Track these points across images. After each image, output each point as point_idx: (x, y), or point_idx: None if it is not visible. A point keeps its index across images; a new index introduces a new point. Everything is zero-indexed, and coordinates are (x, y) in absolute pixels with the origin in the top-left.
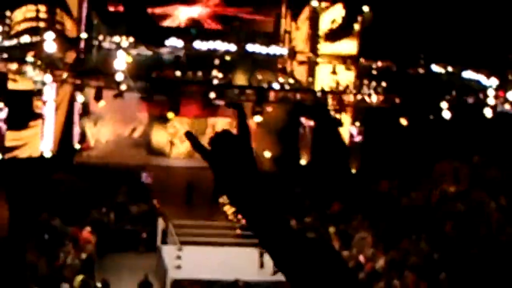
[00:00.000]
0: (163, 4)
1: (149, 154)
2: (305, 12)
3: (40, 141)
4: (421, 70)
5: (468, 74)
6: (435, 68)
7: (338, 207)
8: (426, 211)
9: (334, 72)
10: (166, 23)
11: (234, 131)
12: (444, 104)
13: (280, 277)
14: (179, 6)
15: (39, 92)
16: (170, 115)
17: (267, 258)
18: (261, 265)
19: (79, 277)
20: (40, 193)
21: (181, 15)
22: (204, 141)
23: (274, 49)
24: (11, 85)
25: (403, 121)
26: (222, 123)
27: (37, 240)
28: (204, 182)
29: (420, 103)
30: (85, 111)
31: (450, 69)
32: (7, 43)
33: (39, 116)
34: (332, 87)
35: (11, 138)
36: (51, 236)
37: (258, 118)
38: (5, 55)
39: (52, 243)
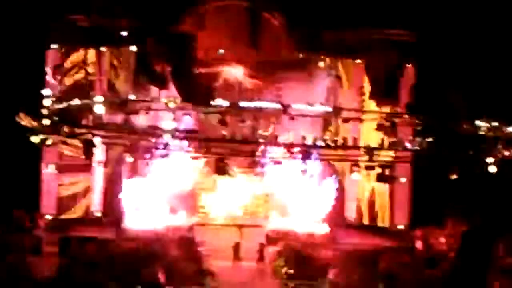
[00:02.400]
0: (209, 64)
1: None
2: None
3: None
4: (465, 126)
5: None
6: (480, 123)
7: None
8: None
9: (379, 129)
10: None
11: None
12: (490, 159)
13: None
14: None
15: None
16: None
17: None
18: None
19: None
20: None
21: (226, 74)
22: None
23: (318, 107)
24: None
25: (453, 176)
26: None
27: None
28: (252, 239)
29: (465, 158)
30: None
31: (495, 123)
32: (57, 106)
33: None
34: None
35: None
36: None
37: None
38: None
39: None
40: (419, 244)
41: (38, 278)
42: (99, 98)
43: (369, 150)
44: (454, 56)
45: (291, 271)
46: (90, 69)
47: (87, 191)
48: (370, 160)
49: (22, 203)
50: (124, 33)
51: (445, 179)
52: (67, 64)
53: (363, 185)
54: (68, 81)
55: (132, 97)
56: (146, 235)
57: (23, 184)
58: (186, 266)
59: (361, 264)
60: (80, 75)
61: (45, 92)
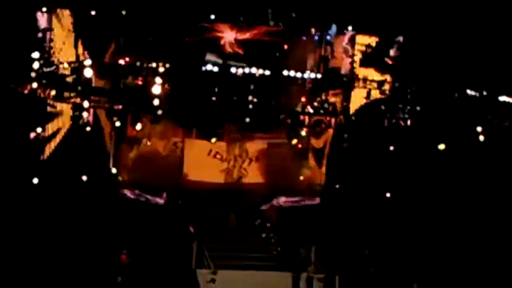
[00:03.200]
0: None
1: (185, 177)
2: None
3: None
4: (456, 94)
5: (503, 98)
6: (470, 92)
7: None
8: None
9: (368, 97)
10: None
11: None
12: (479, 128)
13: None
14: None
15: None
16: (213, 140)
17: (300, 282)
18: None
19: None
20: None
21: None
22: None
23: (308, 74)
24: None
25: (441, 146)
26: (256, 147)
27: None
28: (239, 205)
29: (454, 127)
30: (123, 135)
31: (485, 93)
32: (47, 69)
33: None
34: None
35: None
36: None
37: (294, 141)
38: (44, 81)
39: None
40: None
41: None
42: (87, 62)
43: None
44: (444, 23)
45: None
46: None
47: None
48: None
49: None
50: None
51: None
52: (57, 27)
53: None
54: (57, 44)
55: (121, 61)
56: None
57: None
58: None
59: None
60: (70, 39)
61: (34, 55)
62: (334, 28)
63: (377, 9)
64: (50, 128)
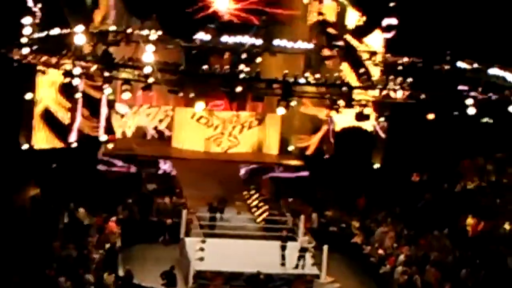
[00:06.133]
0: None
1: (174, 145)
2: (332, 8)
3: None
4: (447, 66)
5: (494, 71)
6: (461, 64)
7: (363, 201)
8: (449, 207)
9: (360, 67)
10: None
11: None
12: (469, 101)
13: (300, 270)
14: None
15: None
16: (200, 105)
17: (288, 252)
18: (282, 258)
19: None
20: (66, 183)
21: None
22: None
23: (300, 44)
24: (40, 77)
25: (430, 116)
26: (246, 116)
27: (63, 230)
28: (230, 174)
29: (445, 99)
30: (112, 103)
31: (476, 65)
32: (37, 35)
33: None
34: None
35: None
36: (76, 226)
37: (281, 111)
38: (35, 47)
39: (77, 233)
40: None
41: None
42: (79, 28)
43: (349, 89)
44: None
45: None
46: None
47: None
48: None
49: None
50: None
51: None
52: None
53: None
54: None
55: (112, 28)
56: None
57: None
58: None
59: None
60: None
61: (25, 20)
62: None
63: None
64: (41, 93)
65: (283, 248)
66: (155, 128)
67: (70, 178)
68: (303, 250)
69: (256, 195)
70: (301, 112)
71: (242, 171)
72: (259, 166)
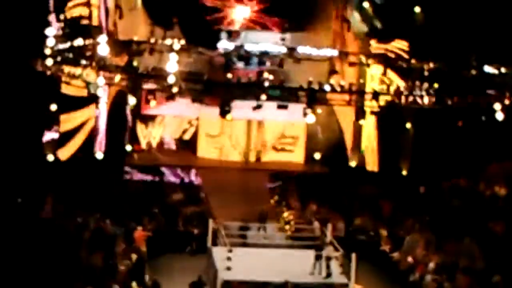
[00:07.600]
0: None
1: (200, 155)
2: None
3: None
4: (473, 71)
5: None
6: (488, 69)
7: (389, 208)
8: (477, 213)
9: (385, 74)
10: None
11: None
12: (497, 106)
13: (328, 279)
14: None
15: (92, 95)
16: (229, 117)
17: (322, 261)
18: (314, 267)
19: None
20: (92, 194)
21: (236, 15)
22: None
23: (325, 51)
24: (64, 88)
25: (459, 122)
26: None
27: (90, 240)
28: (255, 183)
29: (472, 105)
30: (137, 113)
31: (503, 70)
32: (61, 46)
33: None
34: (383, 89)
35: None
36: (102, 236)
37: (311, 119)
38: (58, 58)
39: (103, 244)
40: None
41: None
42: (102, 38)
43: (375, 95)
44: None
45: None
46: (95, 10)
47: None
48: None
49: None
50: None
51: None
52: (71, 3)
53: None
54: (72, 21)
55: (135, 38)
56: None
57: None
58: None
59: None
60: (85, 14)
61: (48, 31)
62: None
63: None
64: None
65: (318, 257)
66: (179, 138)
67: (96, 189)
68: (328, 259)
69: (283, 204)
70: (325, 120)
71: (268, 180)
72: (285, 175)
